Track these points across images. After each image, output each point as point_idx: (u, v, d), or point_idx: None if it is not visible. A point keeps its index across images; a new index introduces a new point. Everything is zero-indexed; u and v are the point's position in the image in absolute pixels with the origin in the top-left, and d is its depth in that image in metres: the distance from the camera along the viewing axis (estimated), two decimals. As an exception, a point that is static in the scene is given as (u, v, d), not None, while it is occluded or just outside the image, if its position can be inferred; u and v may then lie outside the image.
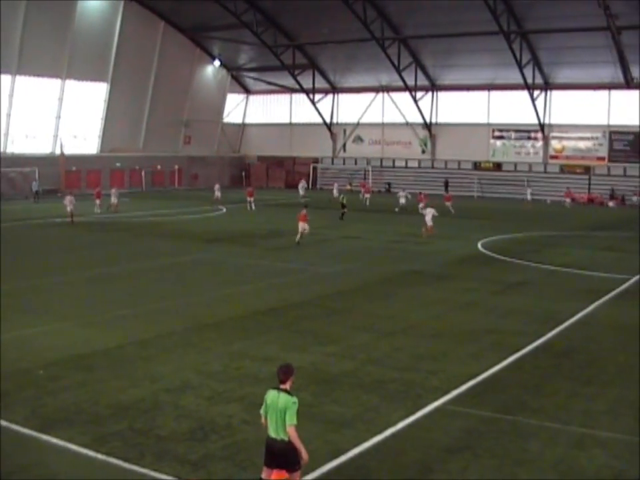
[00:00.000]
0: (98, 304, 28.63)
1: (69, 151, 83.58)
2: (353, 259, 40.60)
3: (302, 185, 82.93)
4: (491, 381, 19.91)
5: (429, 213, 50.12)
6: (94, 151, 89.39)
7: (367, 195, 76.02)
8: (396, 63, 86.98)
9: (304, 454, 12.21)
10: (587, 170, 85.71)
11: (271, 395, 12.56)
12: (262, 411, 12.70)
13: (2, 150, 79.38)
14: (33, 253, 41.45)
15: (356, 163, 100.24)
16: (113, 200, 64.18)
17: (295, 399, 12.37)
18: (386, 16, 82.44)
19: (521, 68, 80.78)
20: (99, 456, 14.65)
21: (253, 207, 66.71)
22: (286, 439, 12.26)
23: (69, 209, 55.19)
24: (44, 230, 51.47)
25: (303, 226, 45.40)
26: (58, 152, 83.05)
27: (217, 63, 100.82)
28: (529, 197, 79.32)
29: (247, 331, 24.59)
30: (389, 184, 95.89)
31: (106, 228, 52.78)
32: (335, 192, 77.09)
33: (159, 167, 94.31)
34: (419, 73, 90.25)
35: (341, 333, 24.63)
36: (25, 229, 51.51)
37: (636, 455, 15.16)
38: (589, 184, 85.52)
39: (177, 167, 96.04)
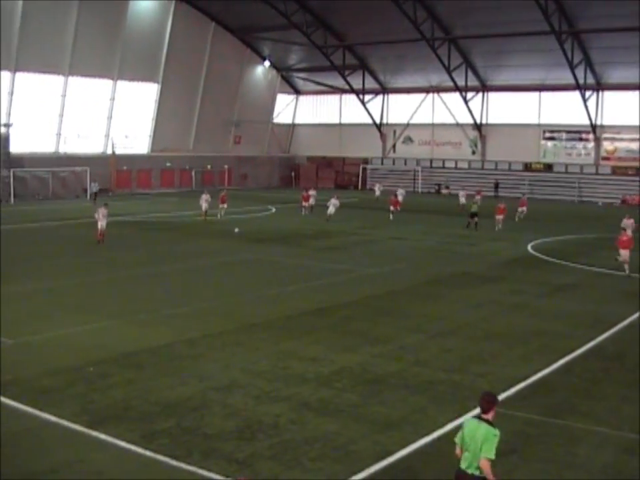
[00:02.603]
0: (147, 302, 28.88)
1: (120, 150, 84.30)
2: (401, 260, 40.53)
3: (378, 187, 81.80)
4: (539, 384, 19.79)
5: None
6: (145, 151, 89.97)
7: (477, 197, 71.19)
8: (446, 63, 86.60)
9: None
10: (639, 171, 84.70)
11: (470, 424, 11.54)
12: (457, 440, 11.75)
13: (54, 150, 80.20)
14: (82, 252, 41.81)
15: (405, 164, 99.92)
16: (330, 211, 60.91)
17: (496, 432, 11.21)
18: (436, 16, 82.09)
19: (572, 68, 79.97)
20: (147, 453, 14.78)
21: (304, 212, 63.06)
22: (477, 473, 11.28)
23: (204, 207, 56.63)
24: (89, 229, 51.86)
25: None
26: (109, 152, 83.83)
27: (266, 63, 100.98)
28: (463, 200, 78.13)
29: (295, 331, 24.64)
30: (439, 185, 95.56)
31: (156, 227, 53.08)
32: (462, 199, 75.93)
33: (208, 166, 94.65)
34: (469, 74, 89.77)
35: (389, 333, 24.60)
36: (80, 227, 51.96)
37: (686, 460, 14.99)
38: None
39: (226, 166, 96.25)
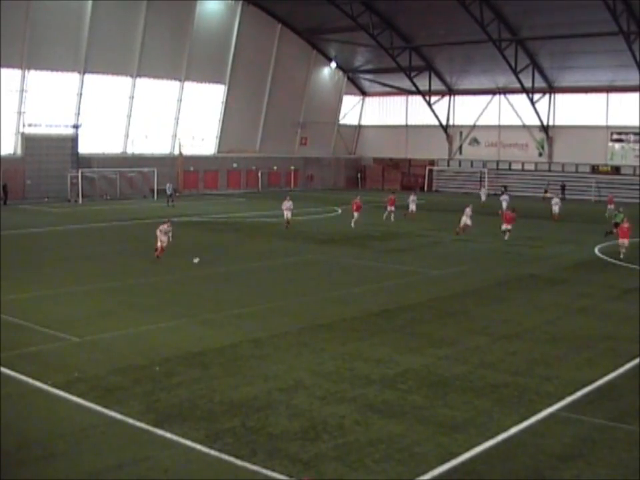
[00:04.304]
0: (213, 302, 29.11)
1: (187, 151, 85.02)
2: (466, 262, 40.38)
3: (484, 191, 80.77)
4: (606, 388, 19.60)
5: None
6: (211, 152, 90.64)
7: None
8: (513, 64, 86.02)
9: None
10: None
11: None
12: None
13: (122, 150, 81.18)
14: (149, 252, 42.25)
15: (472, 165, 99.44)
16: (411, 207, 61.20)
17: None
18: (502, 17, 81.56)
19: (640, 69, 79.08)
20: (212, 452, 14.92)
21: (392, 218, 58.23)
22: None
23: (286, 215, 52.90)
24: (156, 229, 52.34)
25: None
26: (176, 152, 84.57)
27: (333, 64, 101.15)
28: (483, 198, 77.49)
29: (360, 332, 24.67)
30: (505, 187, 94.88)
31: (223, 228, 53.42)
32: (483, 197, 75.01)
33: (275, 167, 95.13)
34: (536, 75, 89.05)
35: (454, 336, 24.53)
36: (149, 227, 52.53)
37: None
38: None
39: (292, 167, 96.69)
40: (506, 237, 48.38)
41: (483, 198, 76.99)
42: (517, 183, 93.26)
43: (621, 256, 41.35)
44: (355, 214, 54.68)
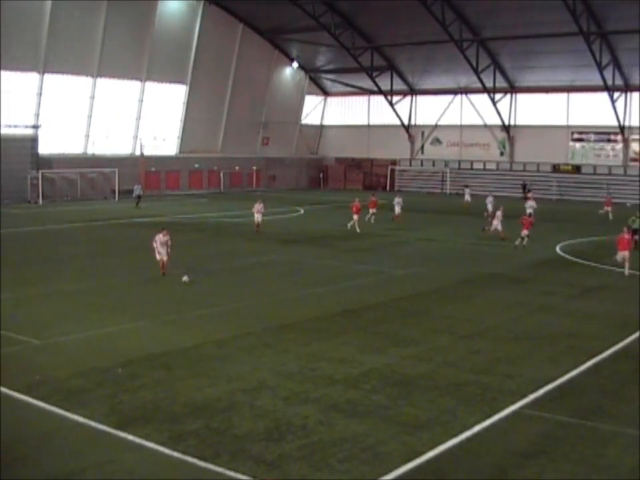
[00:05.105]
0: (176, 303, 28.97)
1: (148, 152, 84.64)
2: (429, 261, 40.51)
3: (467, 191, 79.48)
4: (568, 385, 19.73)
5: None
6: (173, 152, 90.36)
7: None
8: (474, 64, 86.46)
9: None
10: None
11: None
12: None
13: (83, 151, 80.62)
14: (104, 252, 42.04)
15: (434, 165, 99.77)
16: (397, 210, 59.81)
17: None
18: (464, 17, 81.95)
19: (600, 69, 79.60)
20: (175, 454, 14.85)
21: (372, 220, 56.56)
22: None
23: (256, 218, 51.08)
24: (128, 229, 52.12)
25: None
26: (138, 153, 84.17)
27: (295, 64, 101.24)
28: (467, 198, 75.90)
29: (324, 333, 24.67)
30: (467, 186, 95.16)
31: (186, 228, 53.24)
32: (468, 197, 74.92)
33: (237, 168, 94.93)
34: (498, 75, 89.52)
35: (417, 335, 24.59)
36: (110, 228, 52.26)
37: None
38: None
39: (254, 168, 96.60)
40: (524, 243, 45.42)
41: (467, 198, 75.82)
42: (478, 182, 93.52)
43: (626, 273, 36.22)
44: (355, 216, 52.30)
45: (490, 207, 62.28)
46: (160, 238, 34.54)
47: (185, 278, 32.51)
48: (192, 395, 18.21)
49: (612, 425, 16.88)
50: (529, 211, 57.76)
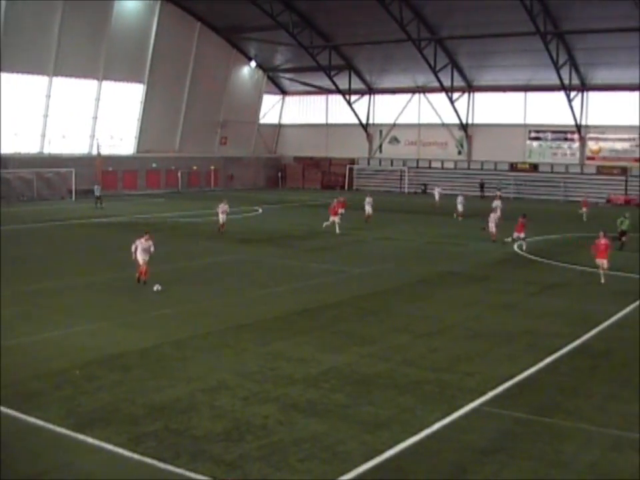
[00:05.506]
0: (135, 304, 28.82)
1: (105, 151, 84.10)
2: (388, 260, 40.56)
3: (437, 190, 78.48)
4: (527, 382, 19.84)
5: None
6: (130, 152, 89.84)
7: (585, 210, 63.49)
8: (432, 63, 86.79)
9: None
10: (624, 171, 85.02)
11: None
12: None
13: (39, 151, 79.96)
14: (64, 253, 41.71)
15: (392, 164, 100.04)
16: (368, 210, 58.68)
17: None
18: (422, 17, 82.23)
19: (557, 69, 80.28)
20: (135, 456, 14.73)
21: (337, 230, 51.15)
22: None
23: (221, 219, 50.09)
24: (83, 230, 51.74)
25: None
26: (95, 152, 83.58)
27: (253, 63, 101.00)
28: (437, 198, 75.06)
29: (283, 332, 24.63)
30: (425, 185, 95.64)
31: (139, 229, 52.79)
32: (437, 196, 74.77)
33: (194, 167, 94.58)
34: (455, 74, 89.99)
35: (376, 333, 24.62)
36: (67, 229, 51.85)
37: (674, 458, 15.07)
38: (626, 185, 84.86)
39: (213, 167, 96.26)
40: (524, 248, 43.43)
41: (437, 198, 75.06)
42: (437, 181, 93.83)
43: (602, 280, 33.99)
44: (335, 218, 51.44)
45: (460, 207, 62.08)
46: (142, 243, 31.97)
47: (156, 287, 31.01)
48: (151, 396, 18.10)
49: (570, 421, 17.01)
50: (459, 206, 59.00)
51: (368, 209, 58.66)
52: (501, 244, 45.28)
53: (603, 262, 34.12)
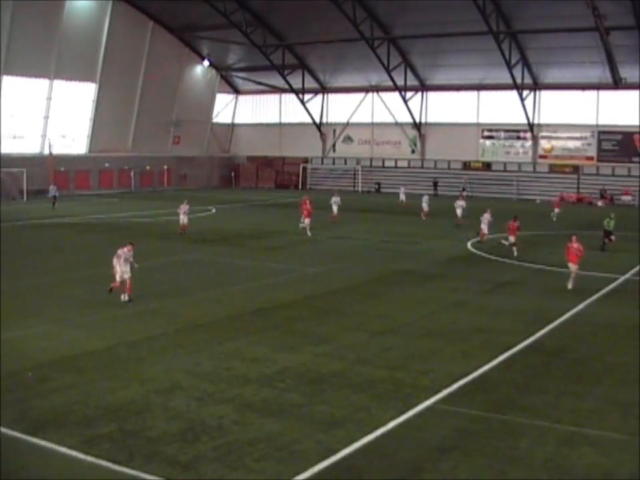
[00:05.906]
0: (87, 305, 28.53)
1: (57, 151, 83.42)
2: (343, 259, 40.60)
3: (402, 190, 78.05)
4: (481, 379, 19.94)
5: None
6: (83, 151, 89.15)
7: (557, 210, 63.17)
8: (385, 62, 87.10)
9: None
10: (576, 169, 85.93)
11: None
12: None
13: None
14: (23, 255, 41.27)
15: (345, 163, 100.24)
16: (334, 210, 58.51)
17: None
18: (375, 16, 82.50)
19: (510, 68, 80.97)
20: (89, 458, 14.60)
21: (309, 233, 50.14)
22: None
23: (182, 220, 49.05)
24: (38, 231, 51.25)
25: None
26: (46, 152, 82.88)
27: (206, 62, 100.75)
28: (402, 197, 75.07)
29: (237, 332, 24.56)
30: (379, 184, 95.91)
31: (94, 229, 52.56)
32: (402, 196, 74.19)
33: (147, 167, 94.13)
34: (409, 73, 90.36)
35: (330, 333, 24.63)
36: (22, 230, 51.33)
37: (625, 452, 15.27)
38: (578, 183, 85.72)
39: (166, 167, 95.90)
40: (515, 254, 41.57)
41: (402, 197, 75.01)
42: (390, 180, 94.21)
43: (569, 286, 32.61)
44: (306, 220, 50.43)
45: (425, 206, 61.81)
46: (124, 253, 29.41)
47: (123, 297, 29.21)
48: (105, 398, 17.97)
49: (524, 418, 17.12)
50: (458, 210, 57.30)
51: (335, 208, 58.60)
52: (497, 245, 44.81)
53: (573, 266, 32.53)
